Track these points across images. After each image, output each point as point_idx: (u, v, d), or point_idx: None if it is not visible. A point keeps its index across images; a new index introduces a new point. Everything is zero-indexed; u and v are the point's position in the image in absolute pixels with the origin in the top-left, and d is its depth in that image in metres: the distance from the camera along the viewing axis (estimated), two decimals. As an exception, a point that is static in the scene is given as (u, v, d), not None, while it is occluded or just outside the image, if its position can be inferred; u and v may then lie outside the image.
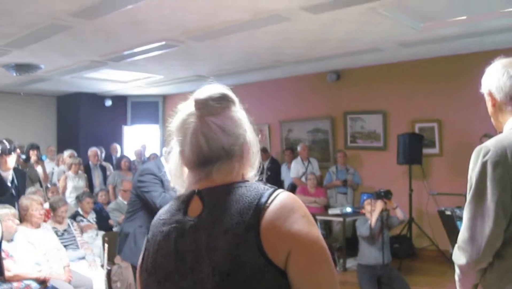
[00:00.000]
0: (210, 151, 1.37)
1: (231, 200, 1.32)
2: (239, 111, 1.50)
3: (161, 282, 1.36)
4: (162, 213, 1.47)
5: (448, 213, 5.06)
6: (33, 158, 8.83)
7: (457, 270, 2.11)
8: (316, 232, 1.30)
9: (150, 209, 4.29)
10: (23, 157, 7.38)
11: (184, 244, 1.34)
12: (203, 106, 1.42)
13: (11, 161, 3.87)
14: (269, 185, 1.37)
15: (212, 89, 1.47)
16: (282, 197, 1.31)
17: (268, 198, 1.30)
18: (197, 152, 1.38)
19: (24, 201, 5.27)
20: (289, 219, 1.26)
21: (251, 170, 1.46)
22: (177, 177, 1.48)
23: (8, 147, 3.79)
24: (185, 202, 1.41)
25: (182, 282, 1.31)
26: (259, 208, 1.27)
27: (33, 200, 5.30)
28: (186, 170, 1.45)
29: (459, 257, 2.07)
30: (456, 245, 2.08)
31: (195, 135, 1.39)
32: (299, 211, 1.29)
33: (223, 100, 1.45)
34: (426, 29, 6.94)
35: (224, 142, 1.39)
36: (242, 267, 1.23)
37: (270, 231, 1.25)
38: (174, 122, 1.47)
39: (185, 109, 1.45)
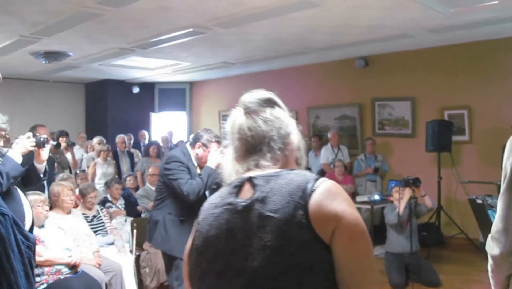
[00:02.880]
0: (253, 140, 1.57)
1: (281, 183, 1.45)
2: (282, 112, 1.68)
3: (211, 260, 1.49)
4: (213, 198, 1.61)
5: (479, 201, 4.99)
6: (63, 144, 8.94)
7: (490, 261, 2.08)
8: (357, 213, 1.43)
9: (178, 196, 4.31)
10: (54, 142, 7.46)
11: (235, 223, 1.46)
12: (249, 104, 1.66)
13: (45, 153, 3.90)
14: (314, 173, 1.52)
15: (258, 92, 1.72)
16: (327, 183, 1.45)
17: (315, 182, 1.43)
18: (244, 142, 1.59)
19: (55, 187, 5.34)
20: (334, 201, 1.40)
21: (296, 163, 1.64)
22: (230, 172, 1.63)
23: (41, 140, 3.83)
24: (236, 187, 1.53)
25: (233, 258, 1.44)
26: (307, 191, 1.41)
27: (64, 186, 5.37)
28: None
29: (492, 247, 2.04)
30: (490, 235, 2.05)
31: (241, 128, 1.61)
32: (342, 195, 1.44)
33: (266, 101, 1.67)
34: (456, 14, 6.82)
35: (266, 134, 1.58)
36: (291, 241, 1.36)
37: (317, 210, 1.38)
38: (227, 124, 1.69)
39: (235, 112, 1.69)
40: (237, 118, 1.66)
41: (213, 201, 1.60)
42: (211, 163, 4.36)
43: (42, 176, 4.01)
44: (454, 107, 8.94)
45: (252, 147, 1.58)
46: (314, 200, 1.39)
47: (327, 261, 1.36)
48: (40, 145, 3.83)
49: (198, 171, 4.46)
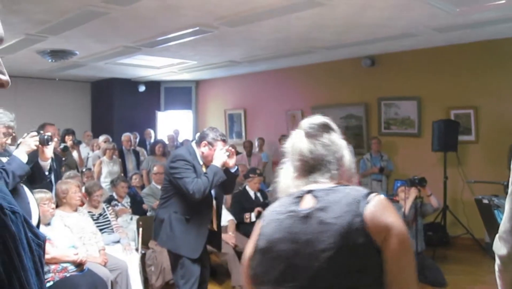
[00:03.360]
0: (313, 162, 1.83)
1: (339, 196, 1.69)
2: (337, 137, 1.92)
3: (275, 259, 1.69)
4: (276, 206, 1.81)
5: (485, 201, 4.98)
6: (69, 142, 8.96)
7: (497, 261, 2.07)
8: (403, 225, 1.65)
9: (184, 195, 4.31)
10: (62, 146, 7.49)
11: (298, 227, 1.68)
12: (309, 129, 1.88)
13: (49, 151, 3.92)
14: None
15: (316, 118, 1.93)
16: (378, 197, 1.68)
17: (368, 196, 1.66)
18: (304, 162, 1.84)
19: (62, 185, 5.35)
20: (385, 213, 1.63)
21: (348, 180, 1.87)
22: (288, 185, 1.87)
23: (45, 138, 3.86)
24: (298, 198, 1.76)
25: (296, 259, 1.64)
26: (363, 203, 1.63)
27: (71, 184, 5.38)
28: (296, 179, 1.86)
29: (499, 247, 2.03)
30: (497, 235, 2.04)
31: (303, 151, 1.85)
32: (391, 208, 1.67)
33: (323, 126, 1.89)
34: (462, 13, 6.80)
35: (324, 157, 1.83)
36: (350, 243, 1.57)
37: (371, 219, 1.60)
38: (288, 144, 1.93)
39: (296, 135, 1.91)
40: (298, 141, 1.88)
41: (275, 208, 1.81)
42: (216, 162, 4.36)
43: (47, 173, 4.03)
44: (460, 107, 8.92)
45: (312, 167, 1.83)
46: (369, 211, 1.61)
47: (378, 264, 1.57)
48: (44, 142, 3.85)
49: (204, 169, 4.46)
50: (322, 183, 1.79)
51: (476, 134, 8.81)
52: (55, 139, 4.14)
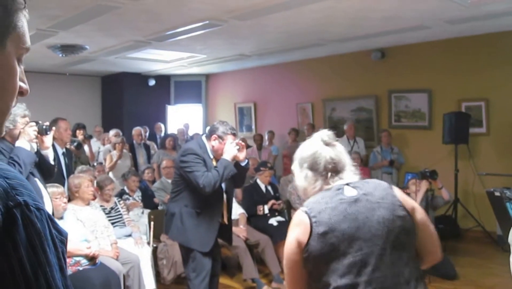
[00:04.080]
0: (341, 164, 2.31)
1: (373, 185, 2.26)
2: (340, 144, 2.42)
3: (339, 237, 2.09)
4: (318, 199, 2.21)
5: (497, 194, 4.94)
6: (80, 137, 9.01)
7: (512, 253, 2.08)
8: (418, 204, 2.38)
9: (194, 189, 4.33)
10: (75, 144, 7.54)
11: (353, 209, 2.13)
12: (326, 139, 2.34)
13: (48, 140, 3.97)
14: None
15: (327, 132, 2.38)
16: (396, 187, 2.31)
17: (391, 185, 2.30)
18: (334, 165, 2.29)
19: (75, 179, 5.38)
20: (406, 197, 2.27)
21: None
22: (311, 184, 2.31)
23: (43, 127, 3.90)
24: (339, 189, 2.22)
25: (358, 232, 2.09)
26: (393, 188, 2.27)
27: (84, 178, 5.41)
28: (318, 179, 2.31)
29: (516, 240, 2.03)
30: (513, 228, 2.04)
31: (331, 156, 2.30)
32: (406, 195, 2.34)
33: (333, 136, 2.39)
34: (474, 5, 6.76)
35: (344, 159, 2.33)
36: (398, 214, 2.15)
37: (403, 200, 2.21)
38: (305, 153, 2.35)
39: (312, 144, 2.36)
40: (322, 150, 2.32)
41: (322, 200, 2.19)
42: (227, 155, 4.37)
43: (52, 163, 4.07)
44: (471, 99, 8.88)
45: (341, 168, 2.30)
46: (399, 194, 2.22)
47: (414, 229, 2.18)
48: (42, 132, 3.90)
49: (214, 163, 4.47)
50: (351, 178, 2.29)
51: (487, 127, 8.77)
52: (53, 129, 4.16)
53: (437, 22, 7.74)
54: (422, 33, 8.51)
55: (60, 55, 9.58)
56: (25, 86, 0.97)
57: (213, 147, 4.51)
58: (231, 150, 4.39)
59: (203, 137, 4.67)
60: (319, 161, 2.29)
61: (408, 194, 6.57)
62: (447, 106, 8.91)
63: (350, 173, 2.32)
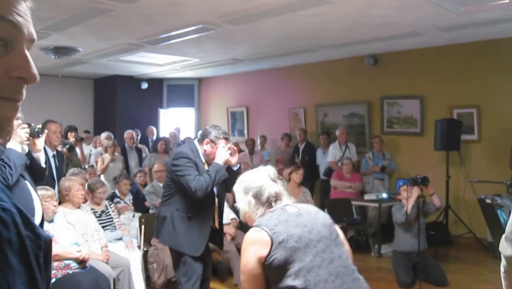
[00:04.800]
0: (280, 194, 2.82)
1: (305, 205, 2.85)
2: None
3: (297, 241, 2.51)
4: (269, 216, 2.66)
5: (488, 201, 4.97)
6: (71, 139, 8.98)
7: (503, 261, 2.07)
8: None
9: (186, 193, 4.31)
10: (67, 146, 7.50)
11: (300, 220, 2.62)
12: (274, 177, 2.89)
13: (40, 143, 3.95)
14: None
15: (273, 169, 2.99)
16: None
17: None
18: (277, 194, 2.80)
19: (65, 182, 5.35)
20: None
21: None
22: (252, 210, 2.79)
23: (36, 130, 3.87)
24: (283, 209, 2.71)
25: (311, 235, 2.57)
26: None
27: (74, 181, 5.38)
28: (259, 207, 2.78)
29: (506, 248, 2.03)
30: (503, 236, 2.04)
31: (275, 190, 2.80)
32: None
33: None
34: (467, 12, 6.80)
35: (282, 190, 2.86)
36: (330, 220, 2.74)
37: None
38: (252, 183, 2.81)
39: (260, 178, 2.85)
40: (267, 184, 2.79)
41: (270, 218, 2.64)
42: (219, 159, 4.36)
43: (43, 165, 4.04)
44: (463, 106, 8.92)
45: (277, 198, 2.79)
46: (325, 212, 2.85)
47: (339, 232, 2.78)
48: (34, 134, 3.87)
49: (206, 167, 4.45)
50: (288, 201, 2.80)
51: (478, 134, 8.81)
52: (46, 132, 4.13)
53: (430, 29, 7.77)
54: (415, 40, 8.54)
55: (53, 57, 9.55)
56: (23, 71, 0.90)
57: (205, 151, 4.49)
58: (223, 154, 4.38)
59: (195, 141, 4.65)
60: (264, 193, 2.75)
61: (400, 200, 6.61)
62: (439, 113, 8.94)
63: (286, 198, 2.81)
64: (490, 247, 7.64)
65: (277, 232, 2.53)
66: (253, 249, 2.53)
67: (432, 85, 9.30)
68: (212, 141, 4.47)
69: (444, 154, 8.55)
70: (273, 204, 2.76)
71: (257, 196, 2.76)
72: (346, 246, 2.74)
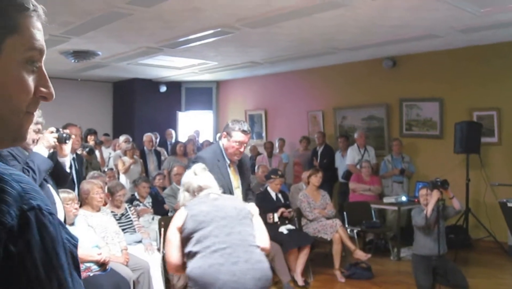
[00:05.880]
0: (205, 187, 3.57)
1: (228, 195, 3.82)
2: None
3: (205, 216, 3.25)
4: (195, 200, 3.45)
5: (510, 205, 4.93)
6: (91, 142, 9.05)
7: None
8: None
9: None
10: (87, 149, 7.56)
11: (216, 202, 3.36)
12: (198, 171, 3.59)
13: (67, 148, 3.95)
14: None
15: (201, 165, 3.72)
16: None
17: None
18: (198, 188, 3.52)
19: (85, 185, 5.40)
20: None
21: None
22: (187, 199, 3.53)
23: (64, 135, 3.87)
24: (207, 195, 3.51)
25: (218, 213, 3.27)
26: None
27: (94, 184, 5.42)
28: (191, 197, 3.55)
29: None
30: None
31: (195, 183, 3.57)
32: None
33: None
34: (486, 14, 6.75)
35: (211, 180, 3.61)
36: (244, 207, 3.50)
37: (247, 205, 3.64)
38: (184, 180, 3.64)
39: (188, 175, 3.64)
40: (192, 179, 3.55)
41: (194, 201, 3.43)
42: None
43: (68, 170, 4.06)
44: (483, 108, 8.85)
45: (203, 189, 3.50)
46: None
47: (251, 220, 3.46)
48: (62, 140, 3.85)
49: (231, 168, 4.40)
50: (216, 191, 3.51)
51: (499, 136, 8.73)
52: (73, 137, 4.13)
53: (449, 31, 7.72)
54: (434, 41, 8.49)
55: (73, 61, 9.64)
56: (46, 90, 0.96)
57: (223, 146, 4.38)
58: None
59: (220, 143, 4.51)
60: (191, 186, 3.50)
61: (419, 203, 6.57)
62: (459, 115, 8.87)
63: (215, 188, 3.51)
64: (511, 251, 7.58)
65: (192, 208, 3.32)
66: (175, 221, 3.36)
67: (451, 87, 9.23)
68: (228, 134, 4.32)
69: (464, 157, 8.49)
70: (196, 193, 3.48)
71: (188, 190, 3.54)
72: (258, 231, 3.40)
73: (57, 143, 3.78)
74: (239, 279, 3.03)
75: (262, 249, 3.32)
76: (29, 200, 0.83)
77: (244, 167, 4.64)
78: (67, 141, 3.89)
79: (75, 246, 0.92)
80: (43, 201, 0.85)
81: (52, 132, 3.75)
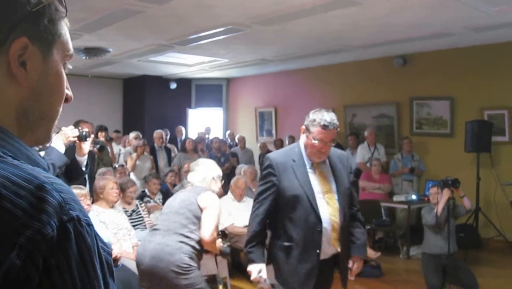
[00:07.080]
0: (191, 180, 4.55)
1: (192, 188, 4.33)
2: None
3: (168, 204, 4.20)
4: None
5: (521, 204, 4.92)
6: (102, 139, 9.08)
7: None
8: None
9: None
10: (98, 146, 7.58)
11: (180, 194, 4.25)
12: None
13: (86, 147, 3.92)
14: None
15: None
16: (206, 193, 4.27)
17: (200, 193, 4.25)
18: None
19: (100, 181, 5.42)
20: (208, 198, 4.19)
21: None
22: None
23: (83, 134, 3.84)
24: (189, 184, 4.40)
25: (173, 203, 4.13)
26: (199, 194, 4.14)
27: (109, 180, 5.45)
28: None
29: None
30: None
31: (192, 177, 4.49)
32: None
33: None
34: (500, 13, 6.72)
35: (199, 174, 4.34)
36: (192, 200, 4.02)
37: (200, 199, 4.06)
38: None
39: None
40: (188, 176, 4.41)
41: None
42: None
43: (84, 169, 4.06)
44: (494, 107, 8.81)
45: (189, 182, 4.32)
46: (202, 197, 4.06)
47: (198, 212, 3.98)
48: (82, 138, 3.81)
49: (313, 171, 3.45)
50: (194, 184, 4.15)
51: (510, 135, 8.69)
52: (92, 136, 4.12)
53: (462, 29, 7.70)
54: (446, 40, 8.47)
55: (84, 57, 9.67)
56: (69, 93, 1.03)
57: (304, 143, 3.49)
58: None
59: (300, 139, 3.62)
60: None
61: (429, 202, 6.55)
62: (470, 114, 8.85)
63: (197, 182, 4.14)
64: (522, 250, 7.56)
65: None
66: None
67: (462, 86, 9.20)
68: (307, 128, 3.43)
69: (475, 156, 8.45)
70: (186, 186, 4.48)
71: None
72: (202, 222, 3.87)
73: (77, 141, 3.77)
74: (144, 252, 3.87)
75: (201, 239, 3.86)
76: (69, 210, 0.82)
77: (336, 168, 3.56)
78: (87, 139, 3.87)
79: (109, 254, 0.92)
80: (82, 212, 0.84)
81: (72, 129, 3.73)
